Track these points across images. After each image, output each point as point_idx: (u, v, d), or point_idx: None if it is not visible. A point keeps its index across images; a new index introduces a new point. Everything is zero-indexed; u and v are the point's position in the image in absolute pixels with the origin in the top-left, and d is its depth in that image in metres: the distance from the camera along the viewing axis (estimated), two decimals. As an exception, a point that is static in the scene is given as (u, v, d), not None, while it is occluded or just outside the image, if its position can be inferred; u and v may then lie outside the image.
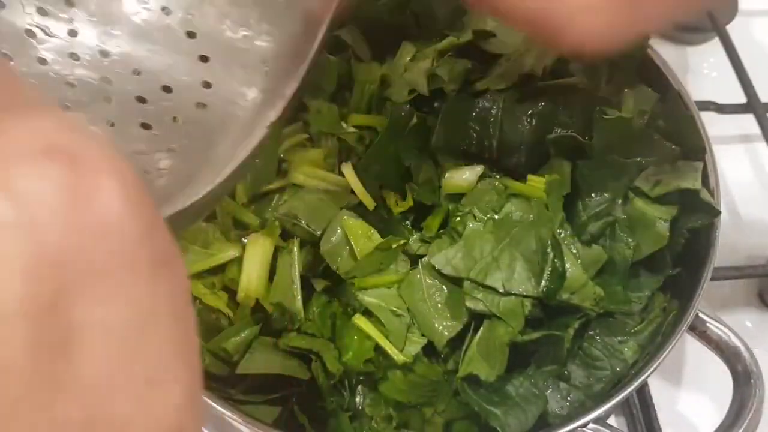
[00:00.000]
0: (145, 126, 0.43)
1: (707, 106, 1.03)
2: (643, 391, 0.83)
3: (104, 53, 0.44)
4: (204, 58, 0.46)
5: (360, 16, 0.73)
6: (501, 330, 0.60)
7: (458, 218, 0.66)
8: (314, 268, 0.66)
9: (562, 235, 0.60)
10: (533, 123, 0.65)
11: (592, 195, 0.63)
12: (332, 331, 0.64)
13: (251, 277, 0.64)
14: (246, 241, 0.66)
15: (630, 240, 0.65)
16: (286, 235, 0.66)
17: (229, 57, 0.46)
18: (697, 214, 0.66)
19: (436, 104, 0.68)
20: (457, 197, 0.66)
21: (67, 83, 0.43)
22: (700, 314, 0.65)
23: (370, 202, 0.65)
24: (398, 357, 0.61)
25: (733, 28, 1.13)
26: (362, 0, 0.73)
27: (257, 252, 0.64)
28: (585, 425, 0.59)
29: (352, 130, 0.68)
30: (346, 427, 0.64)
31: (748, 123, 1.05)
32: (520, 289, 0.60)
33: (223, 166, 0.38)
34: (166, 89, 0.44)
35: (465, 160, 0.67)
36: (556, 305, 0.61)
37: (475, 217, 0.65)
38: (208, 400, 0.58)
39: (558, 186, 0.61)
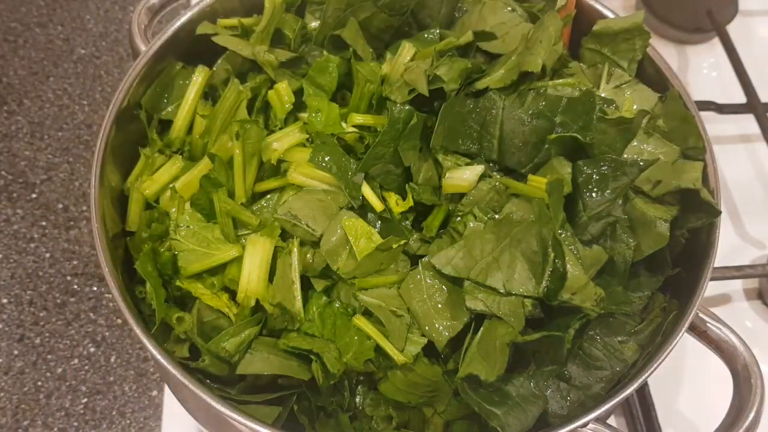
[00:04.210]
0: None
1: (707, 106, 1.03)
2: (643, 391, 0.84)
3: None
4: None
5: (360, 16, 0.73)
6: (501, 330, 0.60)
7: (459, 218, 0.66)
8: (314, 268, 0.65)
9: (563, 235, 0.60)
10: (534, 123, 0.65)
11: (593, 195, 0.63)
12: (332, 332, 0.64)
13: (251, 277, 0.64)
14: (246, 241, 0.66)
15: (630, 240, 0.65)
16: (285, 236, 0.66)
17: None
18: (697, 214, 0.66)
19: (436, 104, 0.68)
20: (457, 197, 0.66)
21: None
22: (700, 314, 0.65)
23: (378, 204, 0.65)
24: (398, 357, 0.61)
25: (733, 28, 1.13)
26: (362, 0, 0.73)
27: (257, 252, 0.64)
28: (585, 425, 0.59)
29: (352, 130, 0.68)
30: (346, 427, 0.64)
31: (748, 123, 1.05)
32: (521, 290, 0.60)
33: None
34: None
35: (465, 159, 0.67)
36: (557, 305, 0.60)
37: (475, 216, 0.65)
38: (209, 400, 0.58)
39: (559, 186, 0.61)
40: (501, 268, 0.61)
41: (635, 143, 0.67)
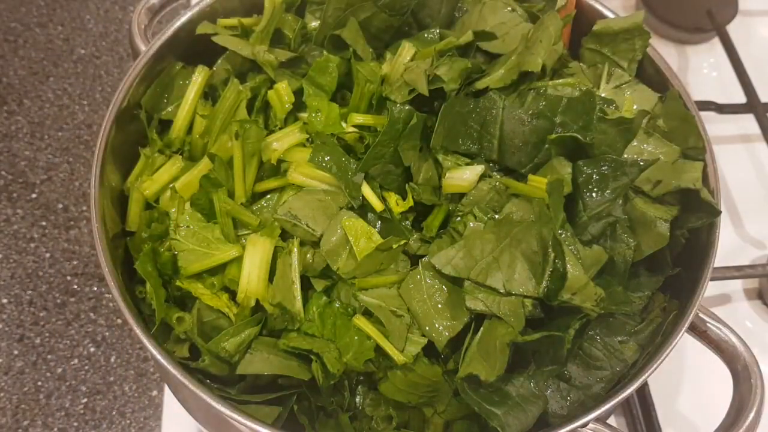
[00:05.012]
0: None
1: (707, 106, 1.03)
2: (643, 391, 0.84)
3: None
4: None
5: (360, 16, 0.73)
6: (501, 330, 0.60)
7: (459, 218, 0.66)
8: (314, 268, 0.65)
9: (563, 235, 0.60)
10: (534, 123, 0.65)
11: (593, 195, 0.63)
12: (332, 332, 0.64)
13: (251, 277, 0.64)
14: (246, 241, 0.66)
15: (630, 240, 0.65)
16: (285, 236, 0.66)
17: None
18: (697, 214, 0.66)
19: (436, 104, 0.68)
20: (457, 197, 0.66)
21: None
22: (700, 314, 0.65)
23: (378, 204, 0.65)
24: (398, 357, 0.61)
25: (733, 28, 1.13)
26: (362, 0, 0.73)
27: (257, 252, 0.64)
28: (585, 425, 0.59)
29: (352, 130, 0.68)
30: (346, 427, 0.64)
31: (748, 123, 1.05)
32: (521, 290, 0.60)
33: None
34: None
35: (465, 159, 0.67)
36: (557, 305, 0.60)
37: (475, 216, 0.65)
38: (209, 400, 0.58)
39: (559, 186, 0.61)
40: (501, 268, 0.60)
41: (635, 143, 0.67)
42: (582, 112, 0.64)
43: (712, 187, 0.68)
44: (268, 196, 0.68)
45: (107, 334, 0.94)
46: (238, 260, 0.65)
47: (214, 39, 0.75)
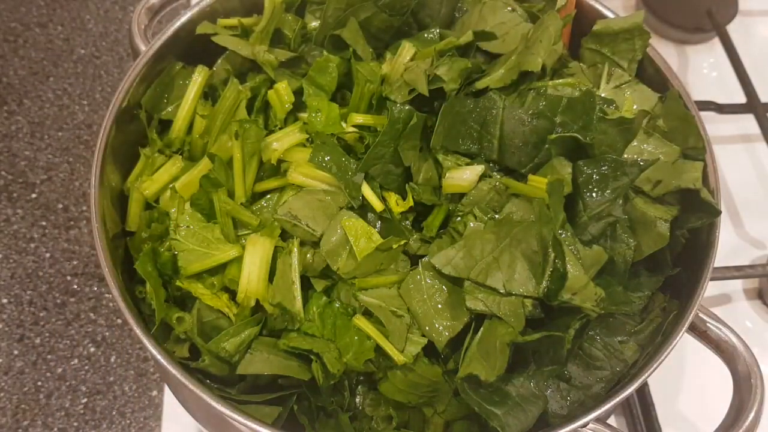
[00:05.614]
0: None
1: (707, 106, 1.04)
2: (643, 391, 0.84)
3: None
4: None
5: (360, 16, 0.73)
6: (501, 330, 0.60)
7: (459, 218, 0.66)
8: (314, 268, 0.65)
9: (563, 235, 0.60)
10: (534, 123, 0.65)
11: (593, 195, 0.63)
12: (332, 332, 0.64)
13: (251, 278, 0.64)
14: (246, 241, 0.66)
15: (630, 240, 0.65)
16: (285, 236, 0.66)
17: None
18: (697, 214, 0.66)
19: (436, 104, 0.68)
20: (457, 197, 0.66)
21: None
22: (700, 314, 0.65)
23: (378, 204, 0.65)
24: (398, 357, 0.61)
25: (733, 28, 1.13)
26: (362, 0, 0.73)
27: (257, 252, 0.64)
28: (585, 425, 0.59)
29: (352, 130, 0.68)
30: (346, 427, 0.64)
31: (748, 123, 1.05)
32: (521, 290, 0.60)
33: None
34: None
35: (465, 159, 0.67)
36: (557, 306, 0.60)
37: (475, 216, 0.65)
38: (209, 400, 0.58)
39: (559, 186, 0.61)
40: (501, 268, 0.60)
41: (635, 143, 0.67)
42: (582, 112, 0.64)
43: (712, 187, 0.68)
44: (268, 196, 0.68)
45: (107, 334, 0.94)
46: (238, 260, 0.65)
47: (214, 39, 0.75)
